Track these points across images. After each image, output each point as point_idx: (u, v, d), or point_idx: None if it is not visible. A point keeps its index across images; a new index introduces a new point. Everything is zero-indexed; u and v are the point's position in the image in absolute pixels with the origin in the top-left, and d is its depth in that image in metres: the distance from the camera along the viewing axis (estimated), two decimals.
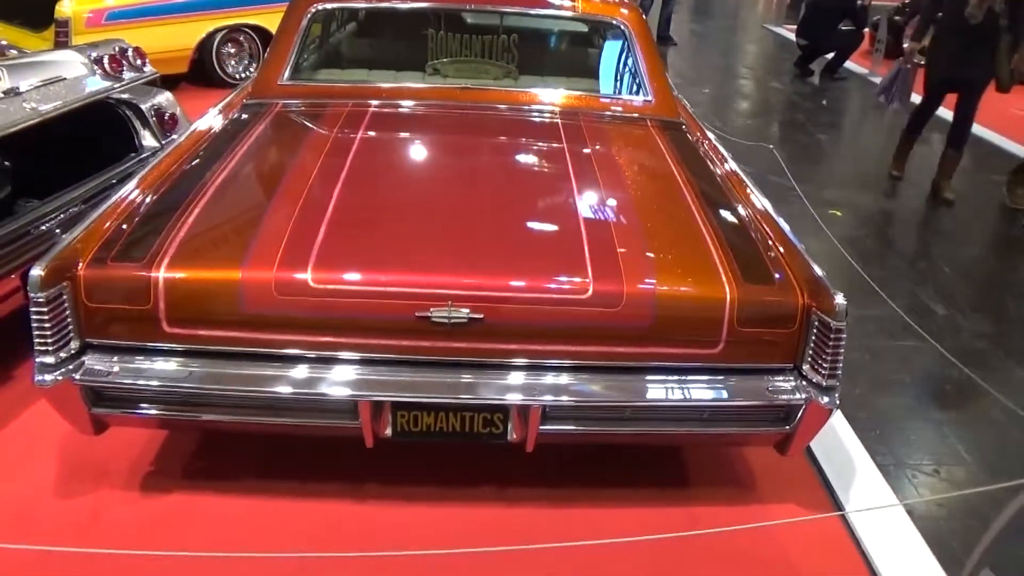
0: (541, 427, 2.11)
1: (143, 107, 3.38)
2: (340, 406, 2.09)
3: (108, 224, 2.19)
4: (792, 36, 10.01)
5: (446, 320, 1.99)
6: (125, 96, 3.39)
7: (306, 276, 2.01)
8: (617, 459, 2.57)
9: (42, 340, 1.98)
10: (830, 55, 8.48)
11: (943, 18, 4.81)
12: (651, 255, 2.18)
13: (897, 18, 9.13)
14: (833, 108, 7.71)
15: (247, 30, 6.97)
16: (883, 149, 6.57)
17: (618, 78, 3.41)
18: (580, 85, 3.42)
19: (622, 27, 3.31)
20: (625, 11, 3.35)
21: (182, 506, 2.35)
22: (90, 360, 2.04)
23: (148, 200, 2.33)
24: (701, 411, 2.15)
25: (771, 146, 5.26)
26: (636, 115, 3.17)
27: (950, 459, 2.78)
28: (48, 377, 1.99)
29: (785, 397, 2.11)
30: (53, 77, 2.90)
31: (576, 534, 2.23)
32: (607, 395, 2.09)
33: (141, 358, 2.06)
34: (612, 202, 2.41)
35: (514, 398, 2.07)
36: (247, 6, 6.88)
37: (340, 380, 2.05)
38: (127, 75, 3.21)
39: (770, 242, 2.30)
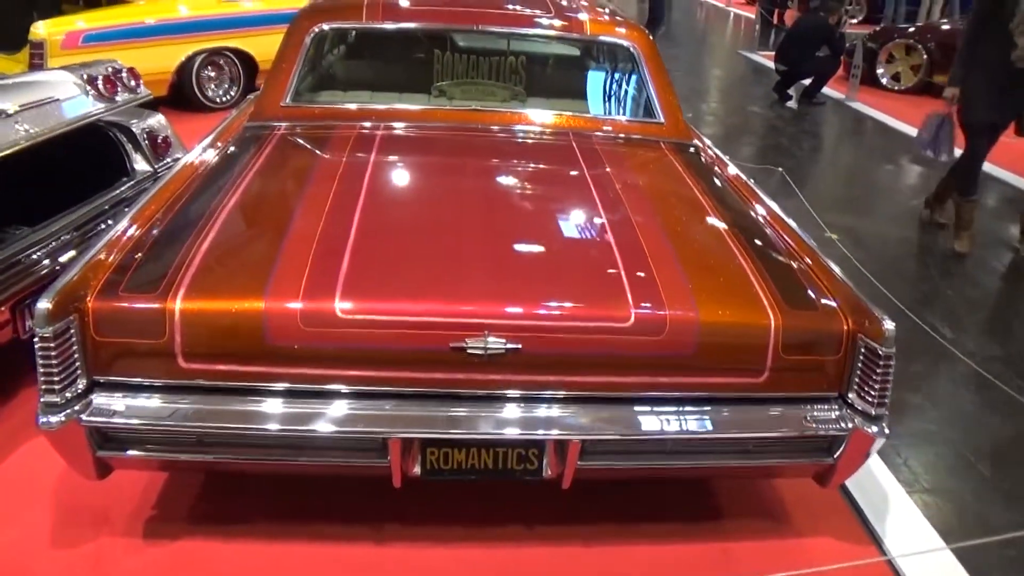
0: (579, 463, 2.01)
1: (135, 130, 3.25)
2: (369, 444, 1.97)
3: (116, 252, 2.05)
4: (768, 63, 10.16)
5: (482, 351, 1.88)
6: (116, 119, 3.25)
7: (333, 306, 1.89)
8: (646, 491, 2.47)
9: (48, 379, 1.83)
10: (807, 80, 8.61)
11: (985, 60, 4.45)
12: (690, 281, 2.10)
13: (871, 44, 9.32)
14: (814, 132, 7.80)
15: (228, 53, 6.84)
16: (869, 172, 6.66)
17: (628, 100, 3.36)
18: (589, 107, 3.35)
19: (631, 49, 3.27)
20: (634, 33, 3.32)
21: (188, 553, 2.19)
22: (98, 399, 1.90)
23: (157, 227, 2.20)
24: (746, 443, 2.06)
25: (780, 169, 5.26)
26: (649, 137, 3.12)
27: (978, 486, 2.73)
28: (54, 419, 1.83)
29: (831, 426, 2.04)
30: (45, 98, 2.76)
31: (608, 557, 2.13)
32: (649, 428, 1.99)
33: (154, 396, 1.92)
34: (642, 227, 2.33)
35: (552, 433, 1.96)
36: (227, 29, 6.77)
37: (369, 416, 1.93)
38: (121, 96, 3.08)
39: (807, 267, 2.24)
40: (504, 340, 1.89)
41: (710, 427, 2.01)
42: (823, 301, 2.09)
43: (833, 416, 2.05)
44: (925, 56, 9.09)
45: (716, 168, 3.01)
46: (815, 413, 2.05)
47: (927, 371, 3.40)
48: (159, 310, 1.87)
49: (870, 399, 2.01)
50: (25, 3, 6.04)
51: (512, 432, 1.95)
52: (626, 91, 3.38)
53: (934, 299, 4.13)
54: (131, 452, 1.97)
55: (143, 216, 2.25)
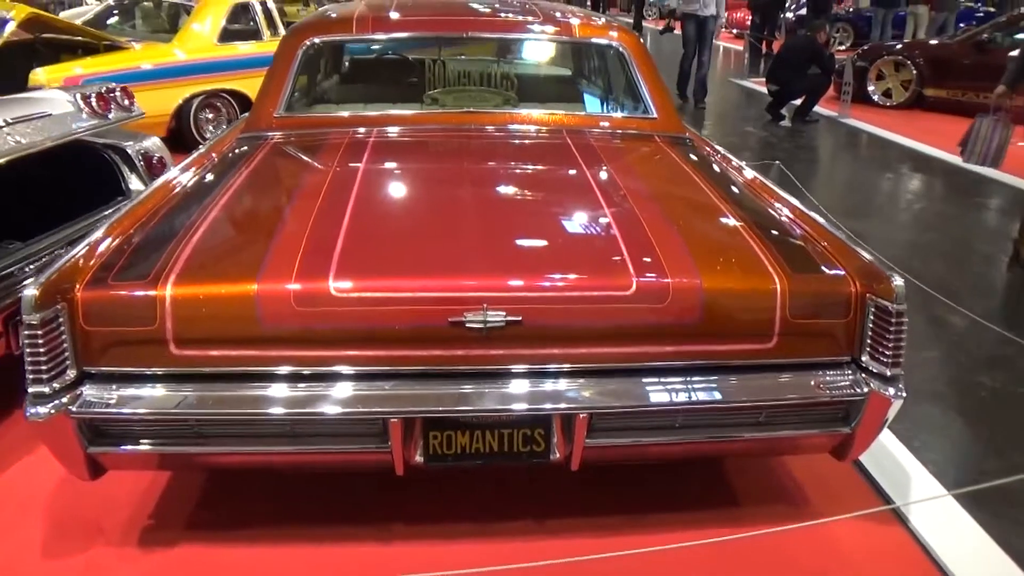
0: (587, 440, 1.93)
1: (130, 151, 3.25)
2: (369, 429, 1.90)
3: (107, 244, 2.02)
4: (758, 87, 10.28)
5: (482, 325, 1.83)
6: (111, 141, 3.26)
7: (327, 285, 1.85)
8: (655, 473, 2.40)
9: (35, 368, 1.78)
10: (798, 101, 8.67)
11: None
12: (691, 250, 2.05)
13: (860, 63, 9.43)
14: (810, 146, 7.83)
15: (225, 95, 6.92)
16: (868, 180, 6.66)
17: (620, 98, 3.36)
18: (582, 107, 3.35)
19: (620, 49, 3.27)
20: (622, 33, 3.33)
21: (186, 562, 2.11)
22: (88, 391, 1.84)
23: (150, 221, 2.17)
24: (758, 412, 1.99)
25: (777, 162, 5.25)
26: (643, 131, 3.10)
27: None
28: (42, 409, 1.78)
29: (846, 391, 1.97)
30: (37, 113, 2.77)
31: (620, 546, 2.07)
32: (658, 400, 1.93)
33: (146, 385, 1.86)
34: (639, 203, 2.29)
35: (557, 406, 1.90)
36: (224, 71, 6.85)
37: (368, 397, 1.87)
38: (114, 114, 3.09)
39: (812, 236, 2.20)
40: (503, 313, 1.84)
41: (720, 396, 1.94)
42: (829, 264, 2.04)
43: (848, 381, 1.98)
44: (915, 72, 9.17)
45: (712, 156, 2.99)
46: (829, 378, 1.99)
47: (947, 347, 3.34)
48: (149, 296, 1.82)
49: (884, 359, 1.94)
50: (26, 53, 6.13)
51: (516, 407, 1.89)
52: (618, 90, 3.38)
53: (947, 287, 4.07)
54: (123, 447, 1.91)
55: (134, 214, 2.23)
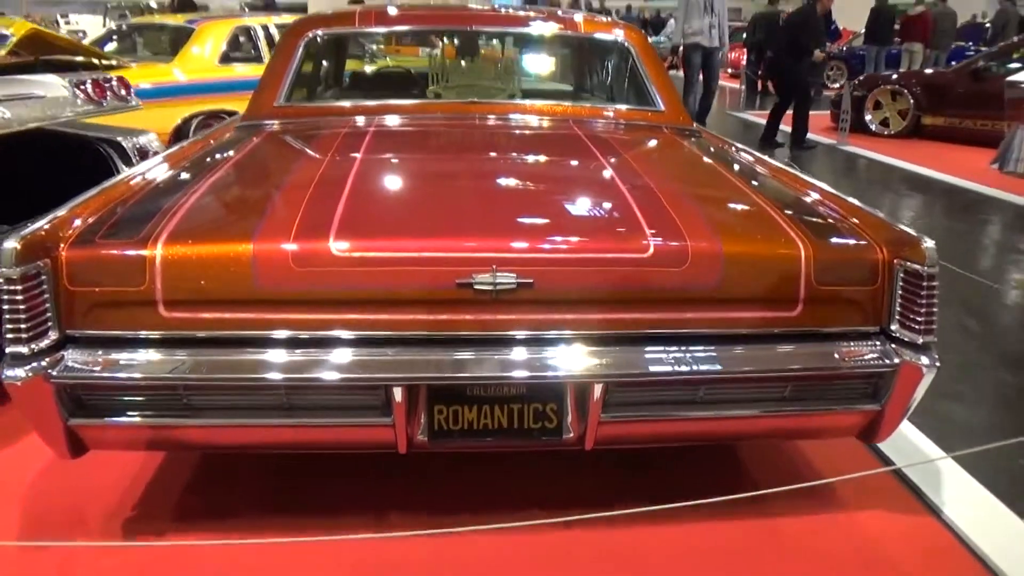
0: (602, 415, 1.81)
1: (125, 145, 3.17)
2: (369, 401, 1.78)
3: (96, 206, 1.92)
4: (756, 120, 10.35)
5: (491, 287, 1.73)
6: (106, 135, 3.19)
7: (328, 245, 1.75)
8: (666, 468, 2.30)
9: (14, 327, 1.66)
10: (788, 128, 8.66)
11: None
12: (709, 217, 1.97)
13: (857, 92, 9.48)
14: (809, 170, 7.78)
15: (224, 116, 6.88)
16: (870, 199, 6.61)
17: (626, 92, 3.30)
18: (588, 100, 3.30)
19: (625, 44, 3.23)
20: (626, 30, 3.29)
21: (172, 556, 1.97)
22: (71, 355, 1.72)
23: (142, 189, 2.08)
24: (783, 386, 1.87)
25: (787, 159, 5.22)
26: (651, 123, 3.04)
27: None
28: (20, 372, 1.65)
29: (876, 362, 1.86)
30: (29, 93, 2.69)
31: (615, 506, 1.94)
32: (676, 369, 1.80)
33: (133, 350, 1.74)
34: (652, 178, 2.21)
35: (570, 374, 1.78)
36: (224, 92, 6.84)
37: (369, 363, 1.75)
38: (109, 103, 3.01)
39: (832, 205, 2.12)
40: (514, 275, 1.73)
41: (743, 366, 1.83)
42: (855, 230, 1.95)
43: (877, 352, 1.87)
44: (912, 101, 9.21)
45: (722, 145, 2.92)
46: (857, 348, 1.88)
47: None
48: (138, 256, 1.72)
49: (916, 326, 1.84)
50: (24, 70, 6.13)
51: (526, 375, 1.77)
52: (624, 84, 3.33)
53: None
54: (106, 419, 1.78)
55: (126, 182, 2.13)
